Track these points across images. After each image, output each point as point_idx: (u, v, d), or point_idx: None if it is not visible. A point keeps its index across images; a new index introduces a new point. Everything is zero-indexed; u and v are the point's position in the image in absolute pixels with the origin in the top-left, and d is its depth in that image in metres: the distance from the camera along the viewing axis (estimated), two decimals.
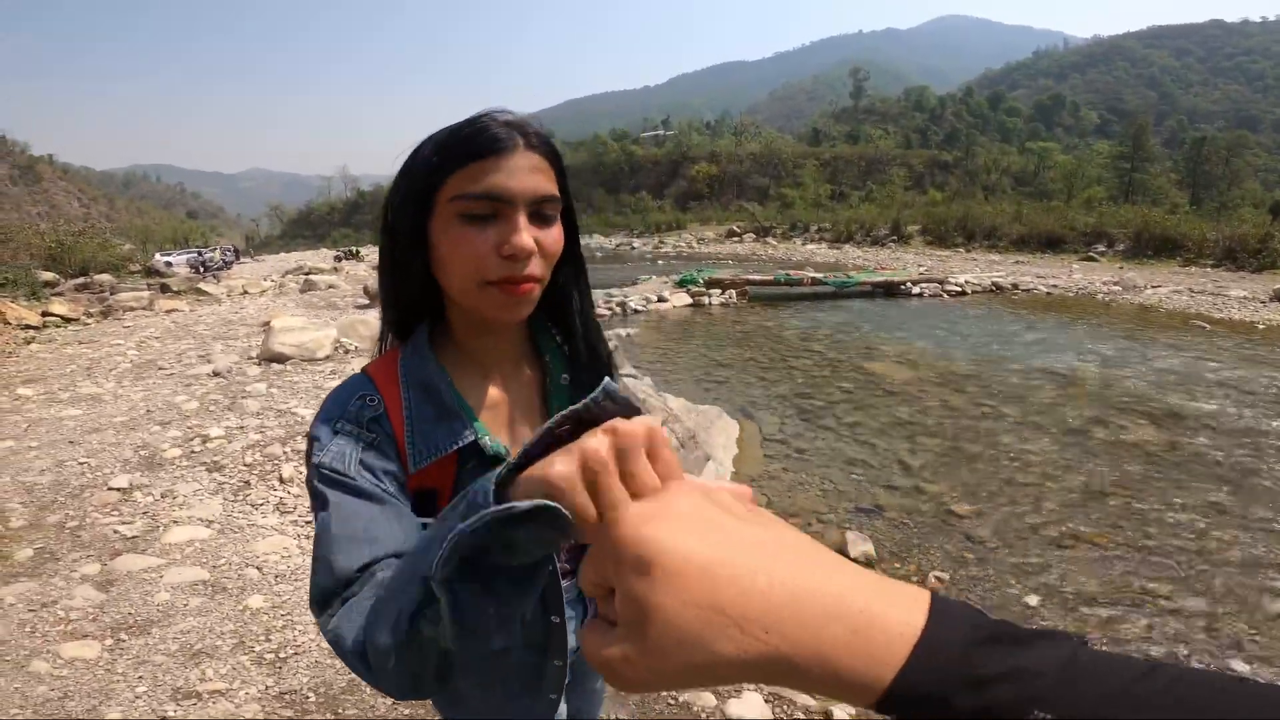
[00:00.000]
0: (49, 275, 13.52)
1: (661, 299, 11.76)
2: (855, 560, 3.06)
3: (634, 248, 34.07)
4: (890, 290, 12.94)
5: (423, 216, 0.67)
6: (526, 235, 0.65)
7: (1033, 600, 2.90)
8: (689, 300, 11.89)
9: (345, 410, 0.69)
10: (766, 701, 2.14)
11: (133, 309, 11.84)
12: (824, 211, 38.83)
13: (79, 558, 2.93)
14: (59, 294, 12.36)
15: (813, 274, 13.68)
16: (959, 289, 13.04)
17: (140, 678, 2.14)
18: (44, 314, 10.17)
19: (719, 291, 12.28)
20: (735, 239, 35.10)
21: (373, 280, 13.84)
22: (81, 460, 4.06)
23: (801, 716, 2.10)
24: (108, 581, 2.73)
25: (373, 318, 10.03)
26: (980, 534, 3.48)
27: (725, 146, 66.35)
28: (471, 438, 0.71)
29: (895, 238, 27.46)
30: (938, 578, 3.02)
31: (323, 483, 0.65)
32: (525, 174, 0.65)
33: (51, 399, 5.58)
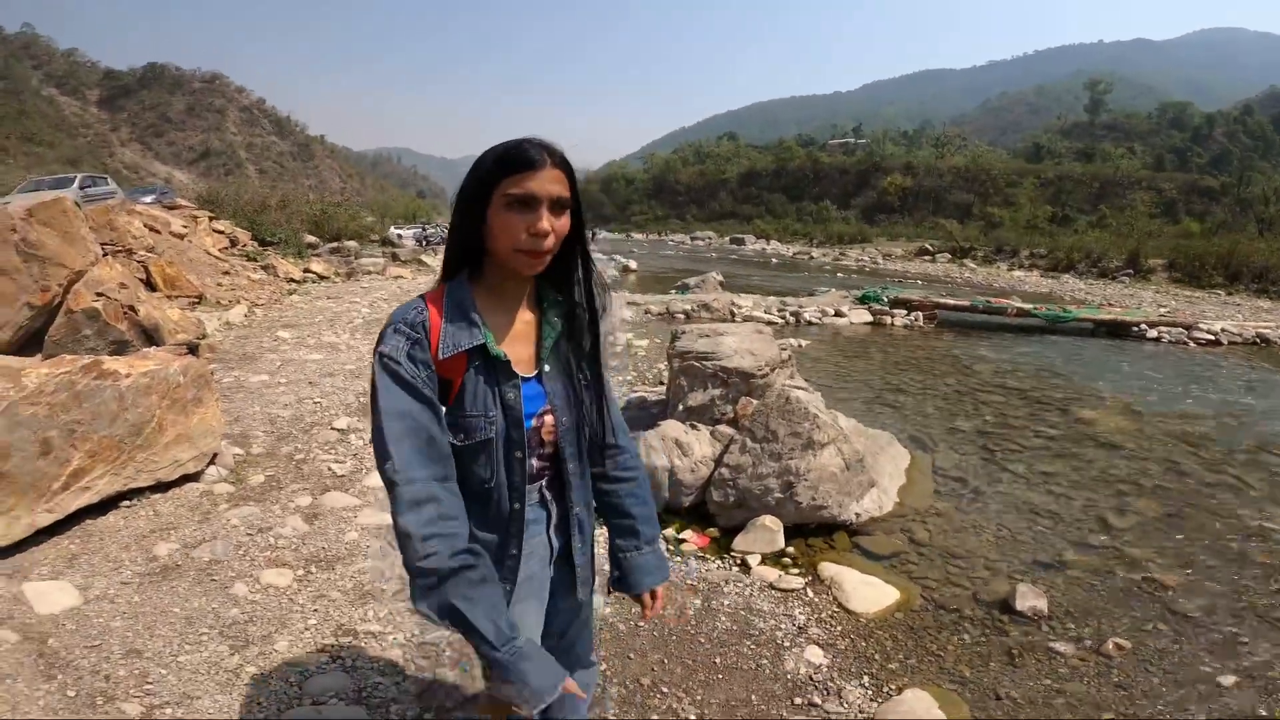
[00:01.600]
0: (311, 238, 16.22)
1: (839, 313, 11.20)
2: (1023, 615, 2.76)
3: (812, 258, 32.85)
4: (1117, 331, 11.13)
5: (483, 203, 1.03)
6: (546, 222, 1.01)
7: (1227, 680, 2.43)
8: (869, 318, 11.19)
9: (405, 317, 1.05)
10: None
11: (370, 272, 13.82)
12: (1039, 235, 34.37)
13: (297, 489, 3.33)
14: (317, 254, 14.79)
15: (1019, 304, 12.18)
16: (1211, 337, 10.84)
17: (315, 610, 2.36)
18: (305, 270, 12.21)
19: (904, 312, 11.40)
20: (927, 258, 32.39)
21: None
22: (316, 399, 4.77)
23: None
24: (314, 515, 3.07)
25: None
26: (1184, 607, 2.94)
27: (924, 158, 61.33)
28: (481, 340, 1.06)
29: (1131, 271, 23.59)
30: (1117, 644, 2.61)
31: (381, 363, 1.02)
32: (548, 183, 1.01)
33: (301, 343, 6.66)
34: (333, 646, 2.17)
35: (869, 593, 2.88)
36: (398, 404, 1.01)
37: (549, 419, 1.14)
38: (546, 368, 1.13)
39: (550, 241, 1.02)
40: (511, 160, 1.00)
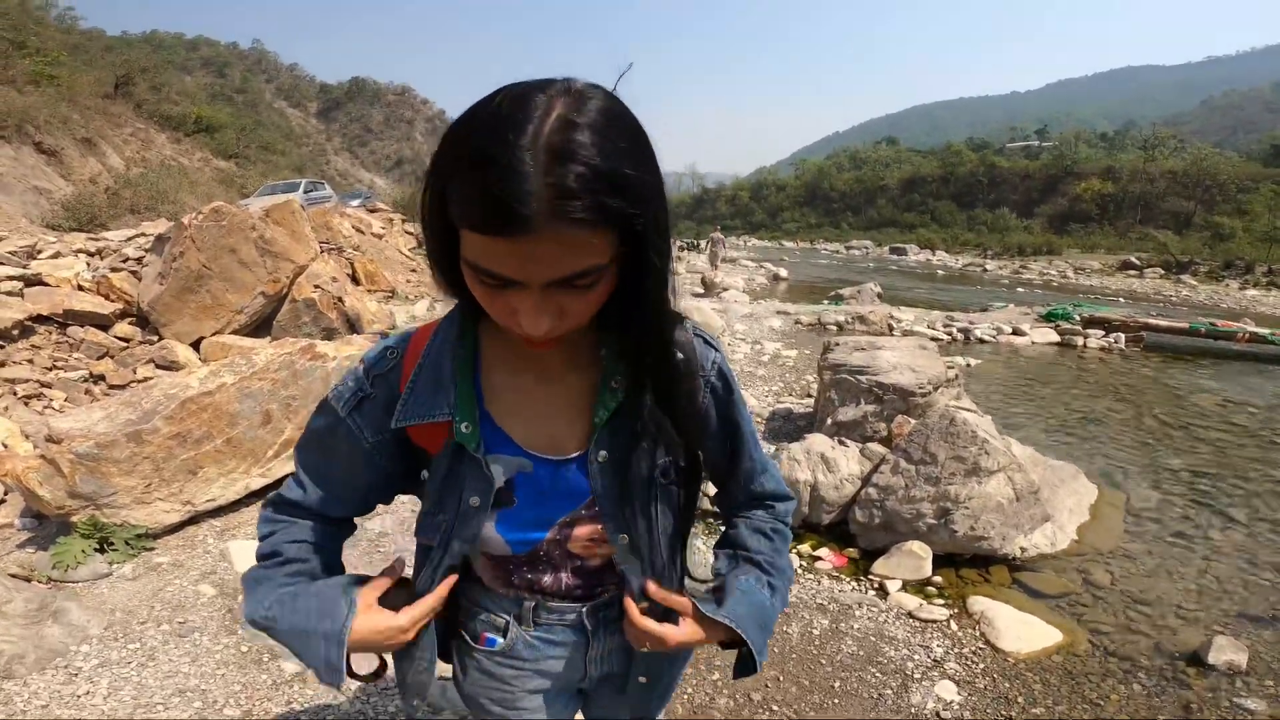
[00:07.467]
0: None
1: (1017, 331, 10.09)
2: (1215, 669, 2.38)
3: (986, 270, 29.94)
4: None
5: (445, 227, 0.58)
6: (537, 318, 0.56)
7: None
8: (1055, 338, 9.96)
9: (373, 361, 0.74)
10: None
11: None
12: None
13: None
14: None
15: (1253, 328, 10.22)
16: None
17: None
18: None
19: (1100, 332, 10.01)
20: (1132, 273, 28.30)
21: (709, 272, 14.70)
22: None
23: None
24: None
25: (707, 306, 10.66)
26: None
27: (1128, 162, 53.30)
28: (446, 417, 0.69)
29: None
30: None
31: (319, 408, 0.75)
32: (546, 260, 0.52)
33: None
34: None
35: (1024, 632, 2.60)
36: (317, 458, 0.77)
37: (581, 531, 0.75)
38: (602, 454, 0.71)
39: (558, 330, 0.59)
40: (473, 203, 0.51)
